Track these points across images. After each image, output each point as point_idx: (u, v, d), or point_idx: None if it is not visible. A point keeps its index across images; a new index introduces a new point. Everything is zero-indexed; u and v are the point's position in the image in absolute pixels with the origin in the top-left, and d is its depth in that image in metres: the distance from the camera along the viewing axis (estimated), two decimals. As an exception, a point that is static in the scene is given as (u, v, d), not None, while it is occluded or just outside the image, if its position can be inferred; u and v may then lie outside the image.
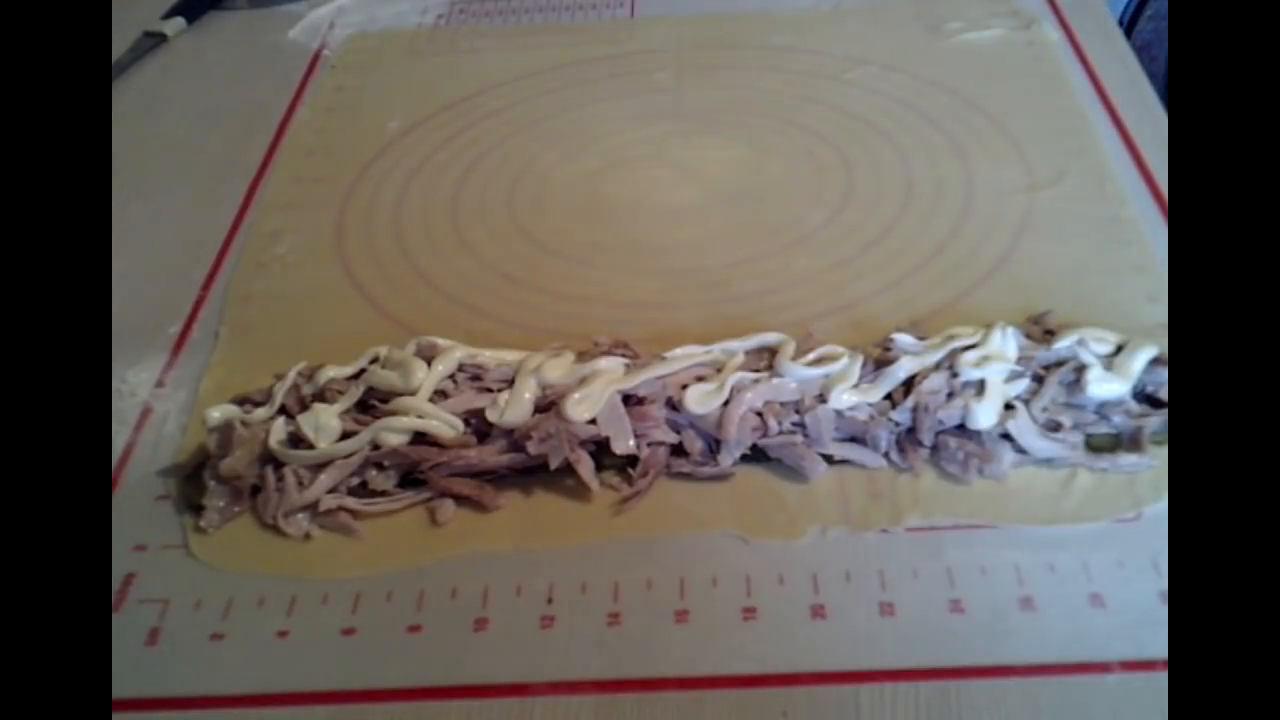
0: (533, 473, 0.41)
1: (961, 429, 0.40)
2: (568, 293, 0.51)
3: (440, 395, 0.42)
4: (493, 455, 0.41)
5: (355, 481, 0.41)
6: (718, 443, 0.41)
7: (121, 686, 0.36)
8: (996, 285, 0.49)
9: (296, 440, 0.41)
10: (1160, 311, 0.46)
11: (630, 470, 0.41)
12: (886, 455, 0.41)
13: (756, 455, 0.41)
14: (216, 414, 0.41)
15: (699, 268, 0.52)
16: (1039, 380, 0.41)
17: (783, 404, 0.41)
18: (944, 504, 0.39)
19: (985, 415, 0.40)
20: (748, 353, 0.43)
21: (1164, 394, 0.41)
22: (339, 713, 0.35)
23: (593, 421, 0.40)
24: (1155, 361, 0.41)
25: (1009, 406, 0.40)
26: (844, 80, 0.65)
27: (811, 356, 0.42)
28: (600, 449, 0.41)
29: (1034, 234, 0.52)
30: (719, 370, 0.42)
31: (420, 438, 0.41)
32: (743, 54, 0.68)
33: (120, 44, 0.72)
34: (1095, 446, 0.40)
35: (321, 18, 0.76)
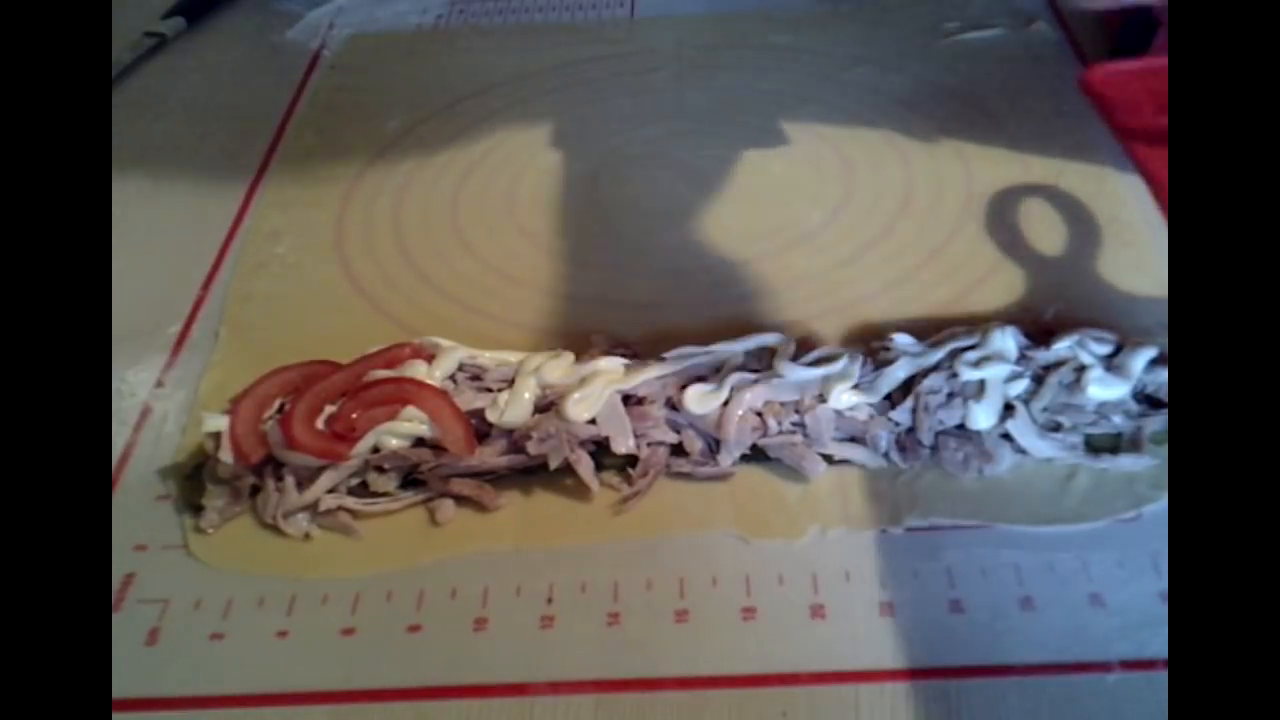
0: (533, 473, 0.41)
1: (961, 429, 0.40)
2: (568, 293, 0.51)
3: (440, 395, 0.42)
4: (493, 455, 0.41)
5: (355, 482, 0.41)
6: (717, 443, 0.41)
7: (121, 686, 0.36)
8: (996, 285, 0.49)
9: (296, 440, 0.41)
10: (1160, 311, 0.46)
11: (630, 470, 0.41)
12: (886, 455, 0.41)
13: (756, 455, 0.41)
14: (214, 422, 0.41)
15: (699, 268, 0.52)
16: (1039, 380, 0.41)
17: (782, 404, 0.41)
18: (944, 504, 0.39)
19: (985, 415, 0.40)
20: (747, 353, 0.43)
21: (1164, 394, 0.41)
22: (339, 713, 0.35)
23: (592, 421, 0.40)
24: (1155, 361, 0.41)
25: (1009, 407, 0.40)
26: (844, 80, 0.65)
27: (811, 356, 0.42)
28: (600, 449, 0.41)
29: (1034, 234, 0.52)
30: (719, 370, 0.42)
31: (421, 440, 0.41)
32: (743, 54, 0.68)
33: (120, 44, 0.72)
34: (1095, 446, 0.40)
35: (321, 18, 0.76)
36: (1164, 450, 0.40)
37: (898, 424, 0.41)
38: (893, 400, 0.41)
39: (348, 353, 0.44)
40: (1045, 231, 0.52)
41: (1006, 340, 0.42)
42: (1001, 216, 0.53)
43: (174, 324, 0.51)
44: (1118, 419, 0.40)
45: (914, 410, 0.40)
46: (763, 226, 0.54)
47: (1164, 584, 0.36)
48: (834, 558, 0.38)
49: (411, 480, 0.41)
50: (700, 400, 0.41)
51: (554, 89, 0.67)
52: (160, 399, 0.47)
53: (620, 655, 0.36)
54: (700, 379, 0.42)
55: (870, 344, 0.44)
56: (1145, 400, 0.41)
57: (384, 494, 0.41)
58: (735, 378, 0.41)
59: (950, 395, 0.41)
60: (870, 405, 0.41)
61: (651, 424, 0.41)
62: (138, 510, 0.42)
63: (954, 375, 0.41)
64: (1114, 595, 0.36)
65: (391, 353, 0.44)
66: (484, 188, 0.59)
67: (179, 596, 0.39)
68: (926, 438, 0.40)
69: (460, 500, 0.41)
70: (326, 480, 0.40)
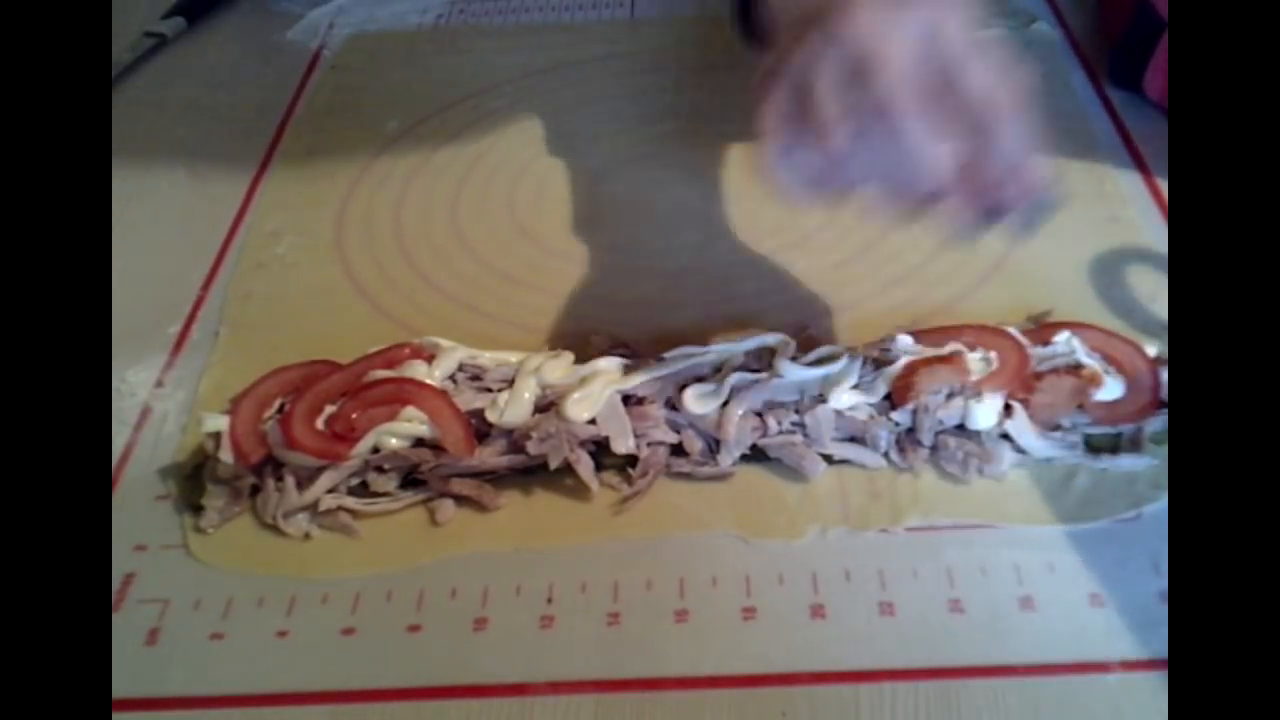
0: (533, 473, 0.41)
1: (961, 429, 0.40)
2: (568, 293, 0.51)
3: (440, 395, 0.42)
4: (493, 455, 0.41)
5: (355, 482, 0.41)
6: (717, 443, 0.41)
7: (121, 686, 0.36)
8: (996, 285, 0.49)
9: (296, 440, 0.41)
10: (1160, 311, 0.46)
11: (630, 470, 0.41)
12: (886, 455, 0.41)
13: (756, 455, 0.41)
14: (214, 422, 0.41)
15: (699, 268, 0.52)
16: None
17: (782, 404, 0.41)
18: (944, 504, 0.39)
19: (985, 415, 0.40)
20: (747, 353, 0.43)
21: (1163, 394, 0.41)
22: (339, 713, 0.35)
23: (592, 421, 0.40)
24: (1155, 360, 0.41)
25: (1008, 406, 0.40)
26: (844, 80, 0.65)
27: (811, 356, 0.42)
28: (600, 449, 0.41)
29: (1034, 234, 0.51)
30: (719, 370, 0.42)
31: (421, 440, 0.41)
32: (742, 54, 0.68)
33: (120, 44, 0.72)
34: (1095, 446, 0.40)
35: (321, 18, 0.76)
36: (1164, 450, 0.40)
37: (898, 424, 0.41)
38: (892, 400, 0.41)
39: (348, 353, 0.44)
40: (1045, 231, 0.51)
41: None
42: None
43: (174, 324, 0.51)
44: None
45: (914, 410, 0.40)
46: (763, 226, 0.54)
47: (1164, 584, 0.36)
48: (834, 558, 0.38)
49: (411, 480, 0.41)
50: (700, 400, 0.41)
51: (554, 89, 0.67)
52: (160, 399, 0.47)
53: (620, 655, 0.36)
54: (700, 379, 0.42)
55: (870, 344, 0.44)
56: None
57: (384, 494, 0.41)
58: (735, 378, 0.41)
59: (950, 395, 0.41)
60: (870, 405, 0.41)
61: (651, 424, 0.41)
62: (138, 510, 0.42)
63: (954, 375, 0.41)
64: (1114, 595, 0.36)
65: (391, 353, 0.44)
66: (484, 188, 0.59)
67: (179, 596, 0.39)
68: (926, 438, 0.40)
69: (460, 500, 0.41)
70: (326, 480, 0.40)
